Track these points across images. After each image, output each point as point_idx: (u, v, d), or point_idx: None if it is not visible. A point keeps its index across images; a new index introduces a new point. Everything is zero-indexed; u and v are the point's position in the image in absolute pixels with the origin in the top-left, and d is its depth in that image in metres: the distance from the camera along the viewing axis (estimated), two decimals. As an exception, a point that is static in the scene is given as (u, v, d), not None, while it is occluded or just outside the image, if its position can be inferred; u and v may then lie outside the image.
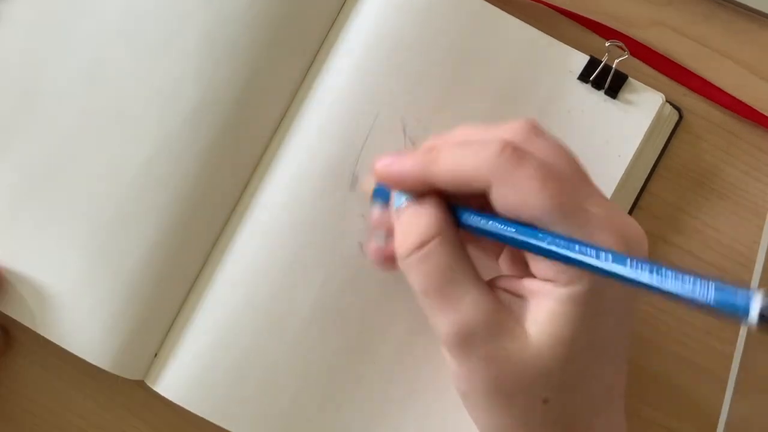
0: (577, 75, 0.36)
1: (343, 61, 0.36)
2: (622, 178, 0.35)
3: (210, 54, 0.35)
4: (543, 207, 0.26)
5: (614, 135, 0.35)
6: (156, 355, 0.36)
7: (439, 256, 0.27)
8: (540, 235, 0.26)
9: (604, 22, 0.38)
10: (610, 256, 0.24)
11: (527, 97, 0.35)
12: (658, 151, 0.37)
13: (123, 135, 0.35)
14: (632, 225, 0.28)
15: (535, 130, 0.28)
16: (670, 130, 0.37)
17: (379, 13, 0.35)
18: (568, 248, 0.25)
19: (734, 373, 0.37)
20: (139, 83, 0.35)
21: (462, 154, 0.27)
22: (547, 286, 0.27)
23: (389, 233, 0.30)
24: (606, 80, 0.35)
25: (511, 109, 0.35)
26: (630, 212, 0.37)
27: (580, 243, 0.25)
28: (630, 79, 0.36)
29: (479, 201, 0.28)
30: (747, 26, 0.38)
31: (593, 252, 0.25)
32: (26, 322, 0.35)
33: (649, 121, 0.35)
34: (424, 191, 0.29)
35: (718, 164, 0.38)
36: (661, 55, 0.38)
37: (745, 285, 0.38)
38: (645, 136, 0.35)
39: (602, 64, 0.35)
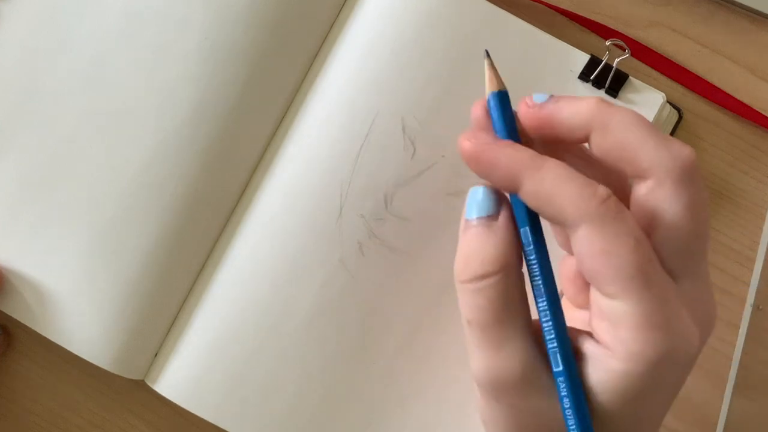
0: (578, 74, 0.36)
1: (343, 61, 0.36)
2: (622, 177, 0.35)
3: (210, 55, 0.35)
4: (628, 269, 0.24)
5: None
6: (156, 355, 0.36)
7: (494, 295, 0.25)
8: None
9: (603, 23, 0.38)
10: None
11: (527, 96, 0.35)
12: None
13: (123, 135, 0.35)
14: (713, 309, 0.27)
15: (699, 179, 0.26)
16: (670, 130, 0.37)
17: (378, 13, 0.35)
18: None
19: (734, 373, 0.37)
20: (139, 84, 0.35)
21: (567, 179, 0.25)
22: (602, 352, 0.25)
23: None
24: (606, 79, 0.35)
25: (511, 109, 0.35)
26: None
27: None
28: (630, 78, 0.36)
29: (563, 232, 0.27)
30: (747, 26, 0.38)
31: None
32: (26, 322, 0.35)
33: (650, 121, 0.35)
34: (502, 191, 0.27)
35: (717, 164, 0.38)
36: (661, 55, 0.38)
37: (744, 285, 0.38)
38: None
39: (603, 64, 0.35)
